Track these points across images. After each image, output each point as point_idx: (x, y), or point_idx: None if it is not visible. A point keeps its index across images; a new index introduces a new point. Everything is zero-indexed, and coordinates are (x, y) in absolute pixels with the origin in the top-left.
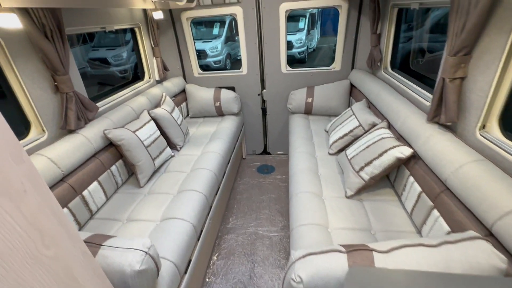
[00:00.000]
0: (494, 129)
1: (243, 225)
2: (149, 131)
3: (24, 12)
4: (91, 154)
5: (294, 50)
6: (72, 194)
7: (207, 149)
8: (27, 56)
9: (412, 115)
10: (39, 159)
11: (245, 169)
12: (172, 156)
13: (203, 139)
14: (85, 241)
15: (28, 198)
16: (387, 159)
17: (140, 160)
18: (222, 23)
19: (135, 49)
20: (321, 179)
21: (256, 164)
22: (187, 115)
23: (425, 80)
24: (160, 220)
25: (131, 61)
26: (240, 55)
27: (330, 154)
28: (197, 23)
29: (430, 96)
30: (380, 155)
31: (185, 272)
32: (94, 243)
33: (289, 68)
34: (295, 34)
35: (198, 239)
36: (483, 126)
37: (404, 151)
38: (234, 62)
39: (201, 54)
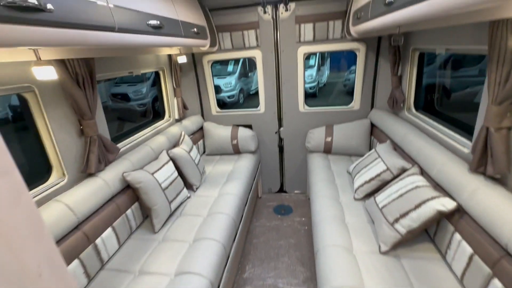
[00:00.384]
0: None
1: (261, 275)
2: (167, 173)
3: (61, 62)
4: (108, 198)
5: (305, 86)
6: (84, 243)
7: (224, 190)
8: (57, 103)
9: (450, 163)
10: (56, 206)
11: (261, 209)
12: (188, 197)
13: (220, 178)
14: None
15: (41, 284)
16: (426, 211)
17: (156, 203)
18: (236, 60)
19: (158, 90)
20: (349, 229)
21: (273, 204)
22: (204, 152)
23: (456, 122)
24: (174, 275)
25: (150, 95)
26: (253, 90)
27: (356, 199)
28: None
29: (467, 142)
30: (418, 206)
31: None
32: None
33: (306, 107)
34: (306, 70)
35: None
36: None
37: (446, 204)
38: (247, 96)
39: (216, 89)
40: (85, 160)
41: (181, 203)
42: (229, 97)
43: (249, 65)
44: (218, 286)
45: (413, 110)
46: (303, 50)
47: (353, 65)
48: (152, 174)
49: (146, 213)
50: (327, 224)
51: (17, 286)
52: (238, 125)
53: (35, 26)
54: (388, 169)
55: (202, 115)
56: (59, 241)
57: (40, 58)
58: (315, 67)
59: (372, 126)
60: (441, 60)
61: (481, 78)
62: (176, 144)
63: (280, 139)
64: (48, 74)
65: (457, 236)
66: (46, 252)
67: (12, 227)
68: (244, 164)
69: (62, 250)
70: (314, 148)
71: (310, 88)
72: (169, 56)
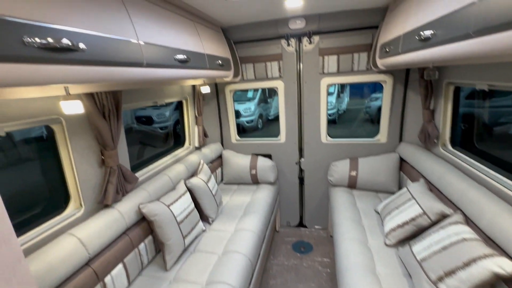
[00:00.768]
0: None
1: None
2: (183, 205)
3: (89, 95)
4: (122, 231)
5: None
6: (93, 282)
7: (241, 225)
8: (82, 133)
9: (505, 214)
10: (69, 241)
11: (279, 244)
12: (204, 231)
13: (237, 211)
14: None
15: None
16: (479, 272)
17: (170, 238)
18: None
19: (180, 118)
20: (381, 282)
21: (291, 240)
22: (221, 180)
23: (506, 165)
24: None
25: (172, 119)
26: (272, 115)
27: (387, 245)
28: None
29: None
30: (467, 264)
31: None
32: None
33: (329, 138)
34: None
35: None
36: None
37: (505, 266)
38: (266, 121)
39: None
40: (103, 191)
41: (196, 237)
42: (247, 122)
43: (268, 92)
44: None
45: (449, 146)
46: (326, 81)
47: (374, 93)
48: (168, 206)
49: (158, 247)
50: (355, 273)
51: None
52: (258, 154)
53: (68, 65)
54: (424, 213)
55: (222, 143)
56: (66, 280)
57: (69, 93)
58: (335, 94)
59: (402, 161)
60: (485, 94)
61: None
62: (194, 173)
63: (301, 170)
64: (75, 108)
65: None
66: None
67: None
68: (263, 196)
69: None
70: (337, 182)
71: (330, 115)
72: (193, 86)
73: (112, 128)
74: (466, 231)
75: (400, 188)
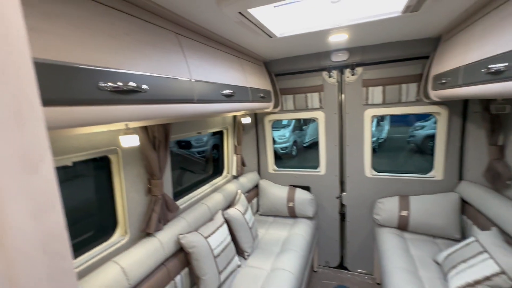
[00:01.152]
0: None
1: None
2: (220, 237)
3: (143, 128)
4: (161, 262)
5: None
6: None
7: (278, 264)
8: (133, 163)
9: None
10: (113, 269)
11: (317, 287)
12: (239, 266)
13: (273, 246)
14: None
15: None
16: None
17: (206, 273)
18: None
19: (220, 146)
20: None
21: (330, 283)
22: (257, 211)
23: None
24: None
25: (209, 144)
26: (307, 142)
27: None
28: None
29: None
30: None
31: None
32: None
33: (374, 172)
34: None
35: None
36: None
37: None
38: (301, 148)
39: None
40: (147, 219)
41: (231, 273)
42: (282, 149)
43: (304, 119)
44: None
45: None
46: (370, 112)
47: (419, 121)
48: (206, 238)
49: (194, 281)
50: None
51: None
52: (296, 186)
53: (132, 105)
54: (503, 272)
55: (259, 172)
56: None
57: (128, 127)
58: (374, 122)
59: (463, 202)
60: None
61: None
62: (231, 203)
63: (342, 205)
64: (132, 142)
65: None
66: None
67: None
68: (301, 232)
69: None
70: (384, 222)
71: None
72: (234, 116)
73: (160, 159)
74: None
75: (463, 234)
